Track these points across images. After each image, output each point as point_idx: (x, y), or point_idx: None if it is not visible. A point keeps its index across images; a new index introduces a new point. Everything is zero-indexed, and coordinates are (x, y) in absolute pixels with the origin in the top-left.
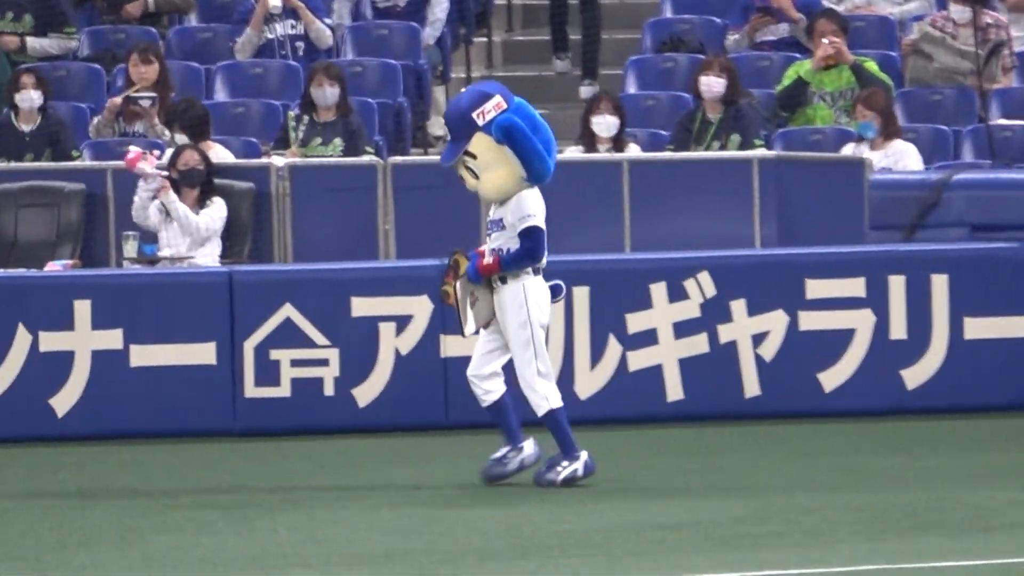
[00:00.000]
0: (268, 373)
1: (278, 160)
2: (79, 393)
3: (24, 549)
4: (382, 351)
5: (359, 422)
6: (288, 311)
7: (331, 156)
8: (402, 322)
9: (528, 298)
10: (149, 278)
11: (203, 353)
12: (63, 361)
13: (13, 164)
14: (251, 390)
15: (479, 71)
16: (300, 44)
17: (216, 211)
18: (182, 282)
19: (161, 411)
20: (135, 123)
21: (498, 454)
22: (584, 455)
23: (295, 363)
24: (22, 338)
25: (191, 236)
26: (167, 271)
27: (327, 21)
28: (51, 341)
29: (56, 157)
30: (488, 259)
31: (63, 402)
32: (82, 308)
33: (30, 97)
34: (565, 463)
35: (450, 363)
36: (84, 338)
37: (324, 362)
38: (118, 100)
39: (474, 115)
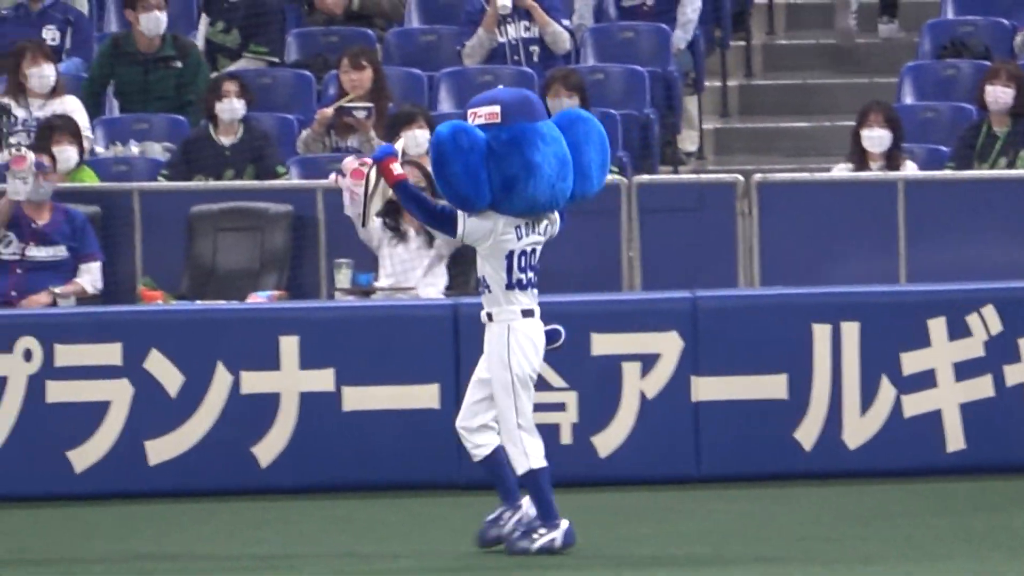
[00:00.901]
0: None
1: None
2: (285, 440)
3: None
4: (625, 394)
5: (600, 474)
6: None
7: None
8: (648, 362)
9: (511, 342)
10: (364, 311)
11: (425, 396)
12: (267, 404)
13: (212, 182)
14: None
15: (736, 79)
16: (535, 48)
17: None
18: (401, 316)
19: (376, 461)
20: (348, 136)
21: (493, 515)
22: (564, 524)
23: None
24: (222, 378)
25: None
26: (385, 303)
27: (565, 23)
28: (254, 382)
29: (259, 175)
30: (397, 168)
31: (267, 450)
32: (289, 345)
33: (232, 107)
34: (543, 531)
35: (702, 408)
36: (291, 379)
37: (561, 406)
38: (329, 111)
39: (469, 112)
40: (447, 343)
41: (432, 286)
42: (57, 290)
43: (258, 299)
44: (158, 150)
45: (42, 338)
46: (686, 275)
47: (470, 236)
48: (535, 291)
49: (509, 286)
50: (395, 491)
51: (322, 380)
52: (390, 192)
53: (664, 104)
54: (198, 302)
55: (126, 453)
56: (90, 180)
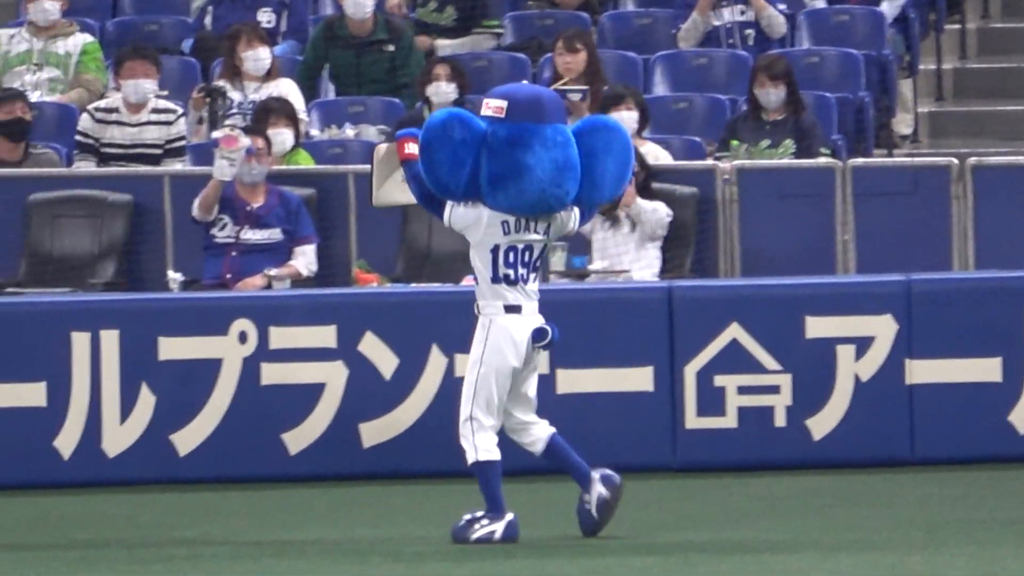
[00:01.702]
0: (712, 401)
1: (724, 163)
2: None
3: None
4: (840, 377)
5: (813, 457)
6: (735, 331)
7: (782, 158)
8: (862, 344)
9: (489, 337)
10: (578, 294)
11: (639, 379)
12: None
13: None
14: (692, 420)
15: (951, 62)
16: (750, 32)
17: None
18: (616, 298)
19: (591, 444)
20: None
21: (579, 503)
22: (509, 517)
23: (742, 390)
24: (436, 361)
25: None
26: (599, 286)
27: (780, 7)
28: None
29: None
30: (411, 147)
31: None
32: None
33: (443, 90)
34: (485, 522)
35: (916, 391)
36: None
37: (775, 389)
38: None
39: (483, 102)
40: (661, 325)
41: (647, 268)
42: (272, 272)
43: (472, 282)
44: (373, 133)
45: (257, 321)
46: (900, 258)
47: (457, 223)
48: (531, 288)
49: (495, 280)
50: None
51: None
52: (399, 174)
53: (878, 87)
54: (413, 285)
55: (340, 435)
56: (305, 163)
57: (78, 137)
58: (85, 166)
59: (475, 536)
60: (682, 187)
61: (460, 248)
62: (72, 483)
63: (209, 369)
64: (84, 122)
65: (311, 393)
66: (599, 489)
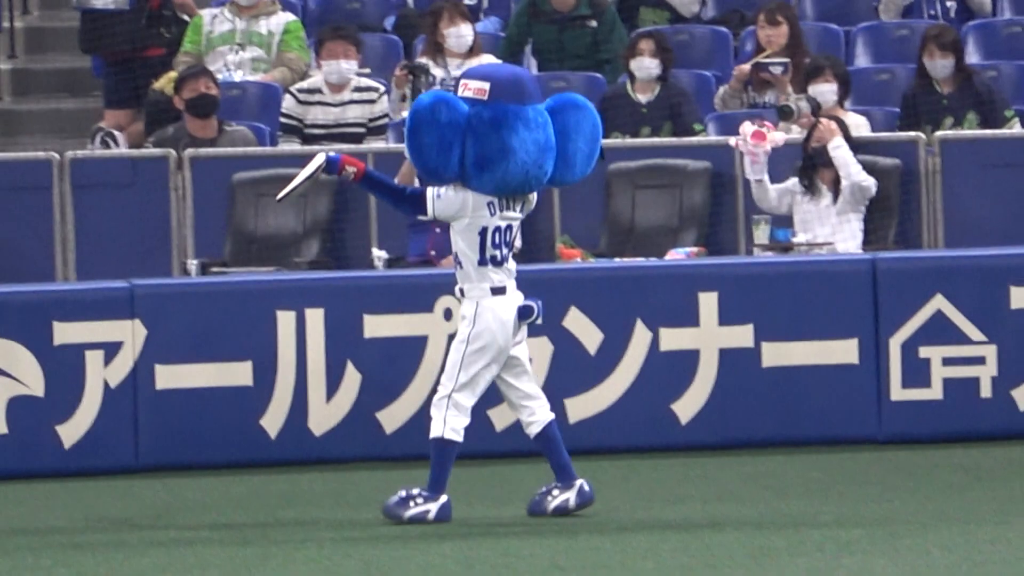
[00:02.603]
0: (917, 373)
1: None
2: (704, 397)
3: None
4: None
5: (1019, 427)
6: (939, 303)
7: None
8: None
9: (477, 319)
10: (782, 267)
11: (843, 351)
12: (686, 361)
13: (629, 140)
14: (898, 392)
15: None
16: (952, 4)
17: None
18: (819, 271)
19: (797, 416)
20: (766, 92)
21: (542, 489)
22: (443, 499)
23: (947, 361)
24: (641, 336)
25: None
26: (803, 259)
27: None
28: (673, 339)
29: (677, 131)
30: (349, 169)
31: (687, 407)
32: (708, 301)
33: (645, 65)
34: (420, 500)
35: None
36: (710, 335)
37: (980, 360)
38: (746, 67)
39: (460, 82)
40: (866, 298)
41: (850, 240)
42: None
43: (677, 256)
44: None
45: None
46: None
47: (442, 213)
48: (510, 267)
49: (482, 262)
50: (815, 447)
51: (741, 336)
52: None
53: None
54: (617, 259)
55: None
56: None
57: (282, 119)
58: (289, 147)
59: (409, 514)
60: (884, 158)
61: (663, 222)
62: (279, 461)
63: (414, 346)
64: (287, 103)
65: None
66: (569, 495)
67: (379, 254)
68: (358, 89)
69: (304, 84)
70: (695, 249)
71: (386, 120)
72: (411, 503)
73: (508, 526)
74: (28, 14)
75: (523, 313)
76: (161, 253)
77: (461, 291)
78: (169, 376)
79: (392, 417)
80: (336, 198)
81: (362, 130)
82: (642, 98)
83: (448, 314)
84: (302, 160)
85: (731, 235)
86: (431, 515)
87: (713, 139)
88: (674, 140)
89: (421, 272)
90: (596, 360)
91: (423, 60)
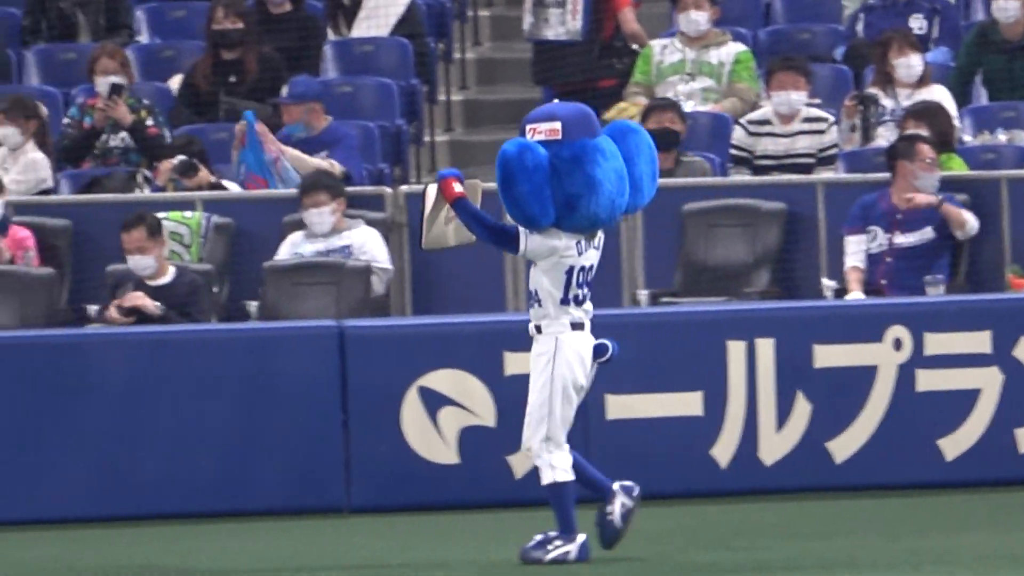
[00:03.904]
0: None
1: None
2: None
3: None
4: None
5: None
6: None
7: None
8: None
9: (557, 355)
10: None
11: None
12: None
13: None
14: None
15: None
16: None
17: None
18: None
19: None
20: None
21: (605, 512)
22: (581, 538)
23: None
24: None
25: None
26: None
27: None
28: None
29: None
30: (458, 186)
31: None
32: None
33: None
34: (559, 543)
35: None
36: None
37: None
38: None
39: (527, 128)
40: None
41: None
42: (927, 278)
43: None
44: None
45: (912, 327)
46: None
47: (532, 253)
48: (588, 307)
49: (564, 301)
50: None
51: None
52: (452, 214)
53: None
54: None
55: (996, 441)
56: (959, 168)
57: (732, 151)
58: (740, 177)
59: (550, 557)
60: None
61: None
62: (729, 491)
63: (864, 376)
64: (737, 134)
65: (966, 399)
66: (622, 499)
67: (828, 284)
68: (807, 119)
69: (754, 115)
70: None
71: (835, 151)
72: (548, 546)
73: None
74: (479, 45)
75: (598, 351)
76: (612, 283)
77: (537, 328)
78: (620, 407)
79: (842, 447)
80: (787, 227)
81: (811, 160)
82: None
83: (898, 343)
84: (753, 191)
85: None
86: (572, 555)
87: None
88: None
89: (870, 302)
90: None
91: (873, 90)
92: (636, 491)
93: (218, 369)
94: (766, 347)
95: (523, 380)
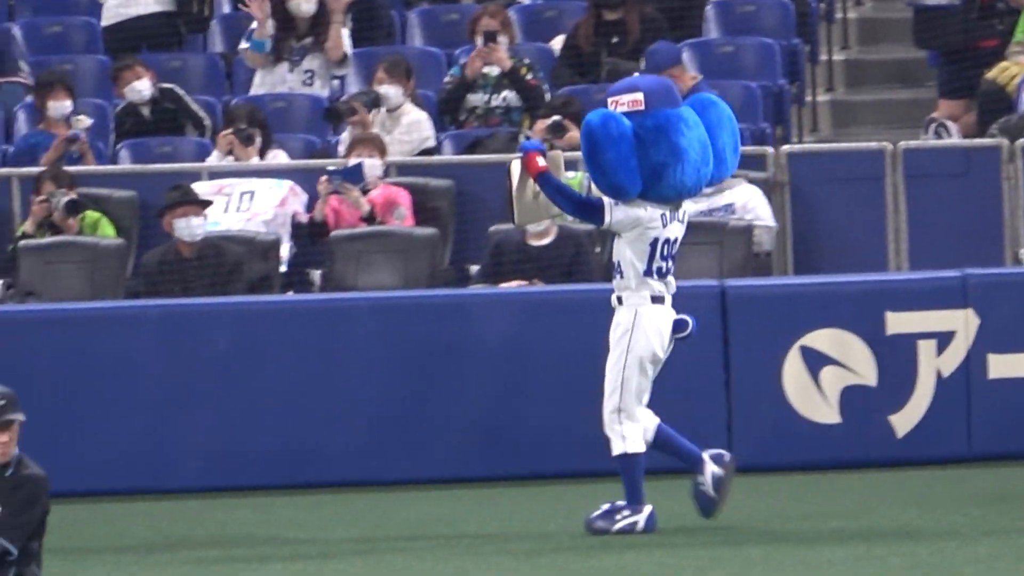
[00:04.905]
0: None
1: None
2: None
3: None
4: None
5: None
6: None
7: None
8: None
9: (636, 327)
10: None
11: None
12: None
13: None
14: None
15: None
16: None
17: None
18: None
19: None
20: None
21: (697, 482)
22: (648, 509)
23: None
24: None
25: None
26: None
27: None
28: None
29: None
30: (541, 161)
31: None
32: None
33: None
34: (626, 512)
35: None
36: None
37: None
38: None
39: (609, 100)
40: None
41: None
42: None
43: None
44: None
45: None
46: None
47: (618, 225)
48: (671, 279)
49: (647, 272)
50: None
51: None
52: (530, 190)
53: None
54: None
55: None
56: None
57: None
58: None
59: (617, 527)
60: None
61: None
62: None
63: None
64: None
65: None
66: (712, 468)
67: None
68: None
69: None
70: None
71: None
72: (616, 516)
73: None
74: (861, 5)
75: (677, 326)
76: (993, 242)
77: (619, 299)
78: (1002, 365)
79: None
80: None
81: None
82: None
83: None
84: None
85: None
86: (639, 526)
87: None
88: None
89: None
90: None
91: None
92: (727, 458)
93: (600, 328)
94: None
95: (906, 340)
